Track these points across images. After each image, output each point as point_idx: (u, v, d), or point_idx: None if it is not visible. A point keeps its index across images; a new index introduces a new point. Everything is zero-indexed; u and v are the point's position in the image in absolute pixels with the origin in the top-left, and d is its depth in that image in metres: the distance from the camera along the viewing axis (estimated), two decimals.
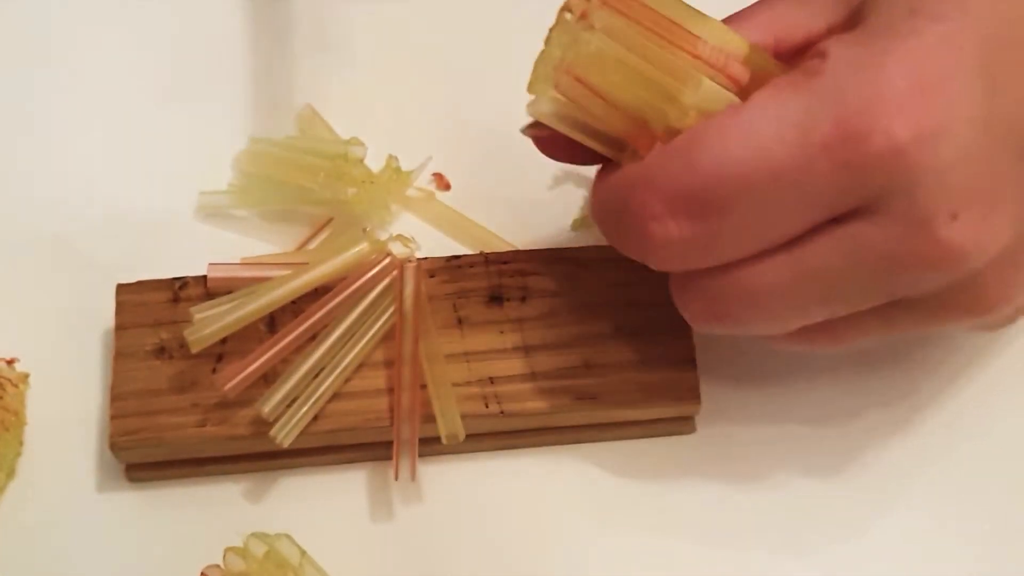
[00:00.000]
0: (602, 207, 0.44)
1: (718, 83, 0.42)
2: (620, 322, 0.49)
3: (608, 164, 0.44)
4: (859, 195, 0.40)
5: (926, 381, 0.51)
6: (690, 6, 0.43)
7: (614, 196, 0.43)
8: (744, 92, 0.42)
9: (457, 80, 0.57)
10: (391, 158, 0.54)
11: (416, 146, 0.55)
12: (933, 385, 0.51)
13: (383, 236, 0.52)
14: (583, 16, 0.42)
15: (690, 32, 0.42)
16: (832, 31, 0.43)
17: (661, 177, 0.41)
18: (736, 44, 0.42)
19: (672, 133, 0.41)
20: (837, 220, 0.41)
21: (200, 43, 0.58)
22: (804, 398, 0.50)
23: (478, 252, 0.51)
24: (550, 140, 0.45)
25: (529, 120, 0.45)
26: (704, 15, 0.42)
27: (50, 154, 0.55)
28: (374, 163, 0.53)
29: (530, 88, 0.44)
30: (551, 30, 0.43)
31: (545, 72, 0.43)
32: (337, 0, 0.59)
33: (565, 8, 0.43)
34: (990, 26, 0.41)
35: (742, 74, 0.42)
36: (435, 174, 0.55)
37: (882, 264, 0.41)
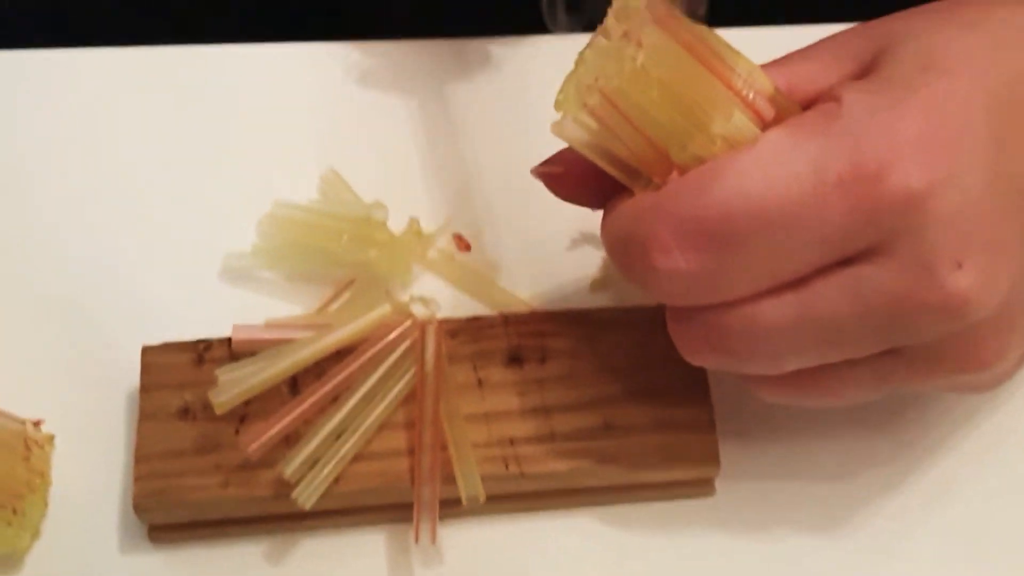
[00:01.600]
0: (612, 234, 0.44)
1: (746, 117, 0.42)
2: (639, 383, 0.49)
3: (621, 193, 0.44)
4: (869, 237, 0.40)
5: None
6: (725, 40, 0.43)
7: (624, 223, 0.43)
8: (766, 129, 0.42)
9: (476, 143, 0.58)
10: (412, 220, 0.54)
11: (437, 208, 0.56)
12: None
13: (404, 297, 0.52)
14: (627, 35, 0.42)
15: (726, 63, 0.42)
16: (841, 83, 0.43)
17: (673, 208, 0.41)
18: (763, 82, 0.42)
19: (692, 163, 0.41)
20: (844, 262, 0.41)
21: (225, 107, 0.59)
22: (816, 457, 0.51)
23: (498, 313, 0.52)
24: (562, 179, 0.46)
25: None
26: (737, 50, 0.43)
27: (76, 216, 0.56)
28: (396, 225, 0.54)
29: (557, 106, 0.43)
30: (584, 51, 0.43)
31: (574, 92, 0.43)
32: (359, 67, 0.60)
33: (602, 33, 0.43)
34: (997, 84, 0.42)
35: (768, 111, 0.42)
36: (455, 235, 0.55)
37: (885, 307, 0.41)
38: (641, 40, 0.41)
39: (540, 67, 0.59)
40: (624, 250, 0.43)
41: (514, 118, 0.58)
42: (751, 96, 0.42)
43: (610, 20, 0.42)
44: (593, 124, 0.43)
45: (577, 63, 0.43)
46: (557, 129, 0.43)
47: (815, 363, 0.43)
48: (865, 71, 0.43)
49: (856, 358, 0.43)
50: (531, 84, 0.58)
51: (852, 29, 0.45)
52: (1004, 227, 0.41)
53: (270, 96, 0.59)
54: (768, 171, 0.40)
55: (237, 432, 0.48)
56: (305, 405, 0.48)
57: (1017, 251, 0.42)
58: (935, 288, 0.40)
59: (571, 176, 0.45)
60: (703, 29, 0.42)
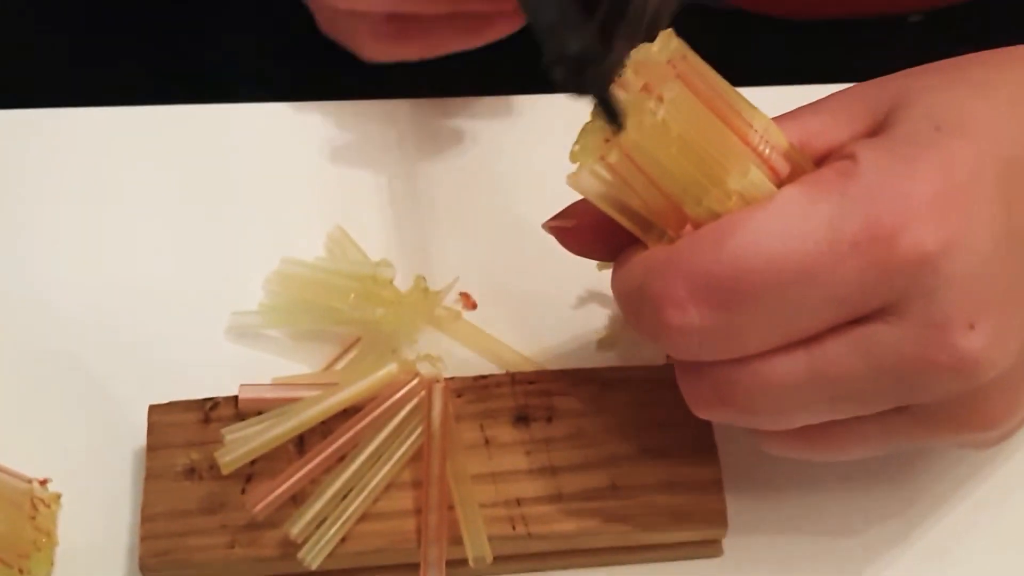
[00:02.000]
0: (624, 287, 0.44)
1: (762, 173, 0.42)
2: (646, 443, 0.49)
3: (633, 245, 0.44)
4: (882, 297, 0.40)
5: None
6: (742, 95, 0.43)
7: (637, 277, 0.43)
8: (781, 186, 0.42)
9: (483, 202, 0.58)
10: (419, 278, 0.55)
11: (443, 266, 0.56)
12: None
13: (411, 356, 0.52)
14: (647, 88, 0.42)
15: (743, 118, 0.42)
16: (855, 140, 0.44)
17: (687, 262, 0.41)
18: (779, 138, 0.43)
19: (707, 218, 0.41)
20: (856, 321, 0.41)
21: (232, 165, 0.59)
22: (824, 512, 0.50)
23: (504, 372, 0.52)
24: (573, 233, 0.46)
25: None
26: (753, 105, 0.43)
27: (82, 274, 0.56)
28: (402, 283, 0.54)
29: (572, 158, 0.43)
30: None
31: (591, 144, 0.43)
32: (364, 125, 0.60)
33: (620, 85, 0.42)
34: (1009, 146, 0.42)
35: (783, 167, 0.42)
36: (462, 294, 0.55)
37: (896, 367, 0.41)
38: (662, 95, 0.41)
39: (546, 125, 0.60)
40: (636, 304, 0.43)
41: (520, 176, 0.59)
42: (767, 152, 0.42)
43: (628, 72, 0.42)
44: (608, 176, 0.43)
45: (593, 115, 0.43)
46: (573, 181, 0.43)
47: (823, 419, 0.43)
48: (877, 127, 0.43)
49: (864, 415, 0.43)
50: (537, 142, 0.59)
51: (864, 85, 0.45)
52: (1015, 288, 0.41)
53: (277, 154, 0.60)
54: (784, 228, 0.40)
55: (243, 491, 0.48)
56: (311, 464, 0.48)
57: None
58: (947, 349, 0.40)
59: (582, 230, 0.45)
60: (723, 83, 0.42)
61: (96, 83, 0.71)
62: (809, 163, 0.43)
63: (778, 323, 0.41)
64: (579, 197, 0.44)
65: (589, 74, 0.42)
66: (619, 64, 0.42)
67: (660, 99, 0.41)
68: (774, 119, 0.44)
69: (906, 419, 0.43)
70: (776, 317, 0.41)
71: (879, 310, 0.41)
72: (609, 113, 0.42)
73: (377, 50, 0.57)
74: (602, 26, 0.43)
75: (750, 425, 0.44)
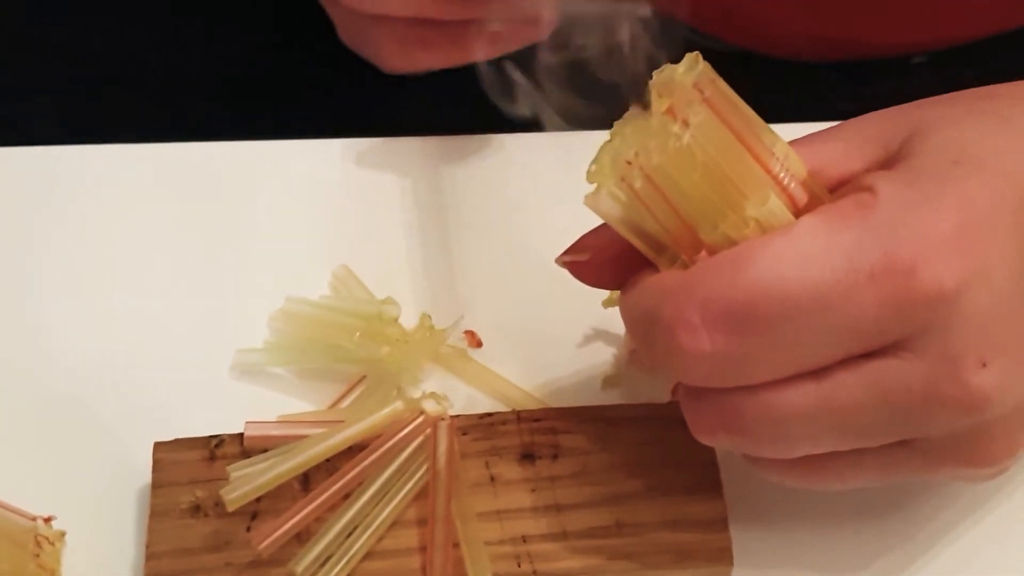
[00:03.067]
0: (635, 310, 0.43)
1: (781, 201, 0.42)
2: (651, 481, 0.49)
3: (644, 268, 0.44)
4: (897, 331, 0.40)
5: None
6: (764, 122, 0.43)
7: (650, 300, 0.42)
8: (798, 215, 0.42)
9: (488, 239, 0.58)
10: (424, 316, 0.55)
11: (448, 304, 0.56)
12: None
13: (416, 393, 0.52)
14: (670, 111, 0.42)
15: (764, 145, 0.42)
16: (868, 171, 0.44)
17: (703, 287, 0.41)
18: (798, 166, 0.43)
19: (722, 243, 0.41)
20: (869, 355, 0.41)
21: (236, 203, 0.60)
22: (828, 546, 0.50)
23: (510, 410, 0.52)
24: (586, 266, 0.46)
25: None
26: (774, 132, 0.43)
27: (87, 312, 0.56)
28: (407, 321, 0.54)
29: (590, 177, 0.43)
30: (621, 124, 0.43)
31: (609, 164, 0.43)
32: (369, 163, 0.60)
33: (642, 107, 0.43)
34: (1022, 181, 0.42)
35: (801, 196, 0.42)
36: (467, 332, 0.56)
37: (906, 402, 0.41)
38: (688, 119, 0.41)
39: (549, 162, 0.60)
40: (647, 327, 0.42)
41: (525, 214, 0.59)
42: (787, 180, 0.42)
43: (652, 95, 0.42)
44: (626, 197, 0.42)
45: (613, 135, 0.43)
46: (591, 202, 0.43)
47: (827, 450, 0.43)
48: (892, 157, 0.43)
49: (867, 447, 0.43)
50: (539, 179, 0.59)
51: (878, 114, 0.45)
52: None
53: (281, 192, 0.60)
54: (802, 258, 0.40)
55: (248, 529, 0.48)
56: (317, 502, 0.48)
57: None
58: (958, 385, 0.40)
59: (595, 262, 0.45)
60: (748, 110, 0.42)
61: (103, 120, 0.71)
62: (826, 193, 0.43)
63: (791, 352, 0.41)
64: (582, 228, 0.45)
65: None
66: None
67: (685, 123, 0.41)
68: (789, 143, 0.44)
69: (907, 452, 0.43)
70: (789, 346, 0.41)
71: (892, 344, 0.41)
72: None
73: (400, 58, 0.57)
74: None
75: (751, 452, 0.44)
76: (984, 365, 0.40)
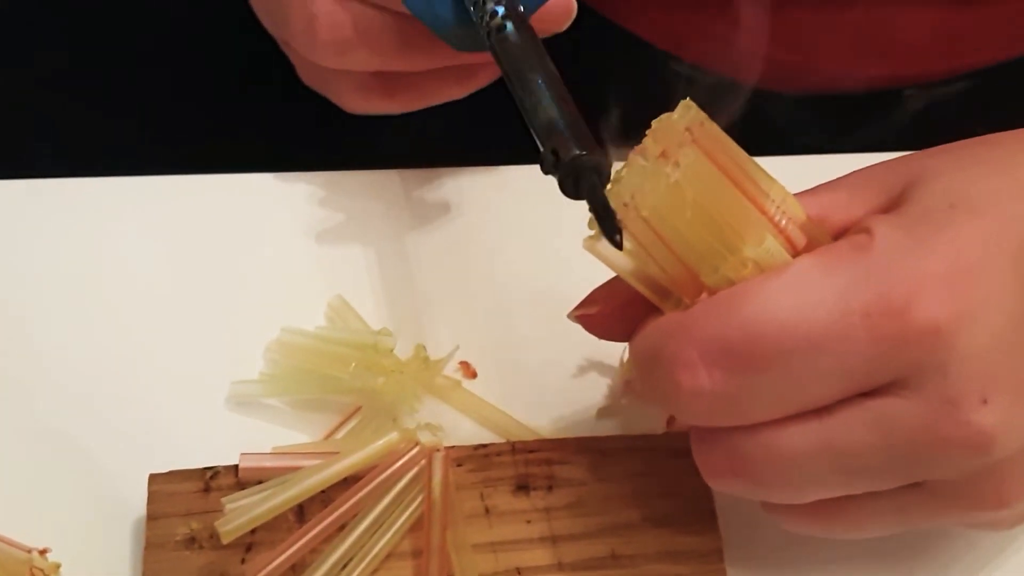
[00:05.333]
0: (640, 351, 0.44)
1: (778, 242, 0.42)
2: (646, 512, 0.49)
3: (651, 315, 0.45)
4: (893, 369, 0.41)
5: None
6: (760, 166, 0.43)
7: (652, 340, 0.43)
8: (797, 256, 0.42)
9: (482, 271, 0.58)
10: (419, 347, 0.55)
11: (443, 335, 0.56)
12: None
13: (411, 424, 0.53)
14: (665, 154, 0.42)
15: (760, 187, 0.43)
16: (871, 215, 0.44)
17: (701, 326, 0.41)
18: (796, 210, 0.43)
19: (723, 286, 0.42)
20: (868, 394, 0.41)
21: (231, 235, 0.60)
22: None
23: (505, 441, 0.52)
24: (597, 318, 0.47)
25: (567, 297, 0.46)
26: (772, 177, 0.43)
27: (82, 343, 0.56)
28: (403, 352, 0.54)
29: (591, 224, 0.44)
30: (620, 170, 0.44)
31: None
32: (364, 194, 0.61)
33: (639, 152, 0.43)
34: (1023, 225, 0.43)
35: (800, 239, 0.43)
36: (461, 363, 0.56)
37: (908, 441, 0.41)
38: (678, 160, 0.42)
39: (541, 194, 0.60)
40: (650, 367, 0.43)
41: (517, 245, 0.59)
42: (783, 222, 0.42)
43: (648, 140, 0.43)
44: (626, 243, 0.43)
45: (613, 180, 0.43)
46: (589, 245, 0.44)
47: (837, 493, 0.43)
48: (894, 204, 0.44)
49: (879, 490, 0.43)
50: (531, 211, 0.59)
51: (883, 163, 0.46)
52: None
53: (277, 224, 0.60)
54: (796, 296, 0.41)
55: (243, 561, 0.48)
56: (312, 534, 0.48)
57: None
58: (960, 424, 0.40)
59: (604, 314, 0.46)
60: (740, 153, 0.43)
61: (100, 152, 0.71)
62: (826, 236, 0.44)
63: (789, 390, 0.41)
64: (577, 261, 0.45)
65: (586, 182, 0.42)
66: (609, 172, 0.43)
67: (677, 164, 0.42)
68: (794, 195, 0.44)
69: (920, 496, 0.43)
70: (787, 384, 0.41)
71: (892, 383, 0.41)
72: (605, 223, 0.42)
73: (361, 105, 0.57)
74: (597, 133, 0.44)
75: (764, 498, 0.44)
76: (984, 403, 0.40)
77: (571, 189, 0.43)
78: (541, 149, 0.44)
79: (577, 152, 0.43)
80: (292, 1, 0.53)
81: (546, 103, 0.45)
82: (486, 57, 0.49)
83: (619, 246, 0.42)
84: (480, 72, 0.56)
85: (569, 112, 0.44)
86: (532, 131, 0.45)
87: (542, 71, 0.46)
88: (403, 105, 0.57)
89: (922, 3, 0.66)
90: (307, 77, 0.59)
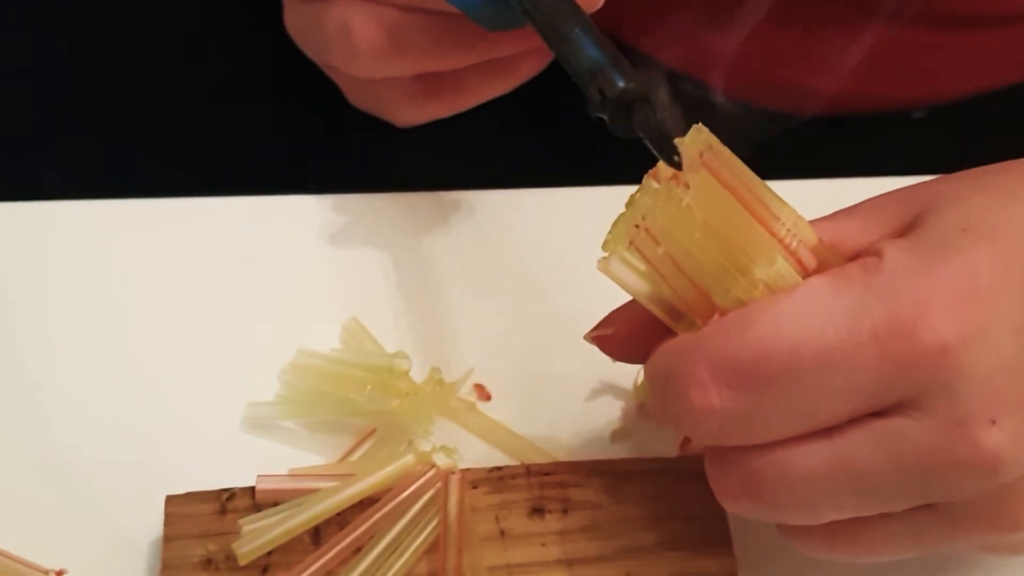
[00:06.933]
0: (653, 372, 0.44)
1: (789, 264, 0.43)
2: (661, 535, 0.49)
3: (665, 335, 0.45)
4: (902, 389, 0.41)
5: None
6: (772, 190, 0.44)
7: (664, 362, 0.43)
8: (808, 278, 0.43)
9: (498, 293, 0.58)
10: (434, 369, 0.55)
11: (458, 358, 0.56)
12: None
13: (427, 447, 0.53)
14: (675, 177, 0.43)
15: (771, 210, 0.43)
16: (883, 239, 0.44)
17: (712, 346, 0.42)
18: (807, 232, 0.44)
19: (735, 307, 0.42)
20: (878, 414, 0.42)
21: (247, 257, 0.60)
22: None
23: (520, 463, 0.52)
24: (615, 340, 0.47)
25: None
26: (783, 200, 0.44)
27: (98, 364, 0.56)
28: (417, 374, 0.55)
29: (605, 245, 0.44)
30: (634, 194, 0.44)
31: (623, 231, 0.44)
32: (379, 217, 0.61)
33: (652, 176, 0.44)
34: None
35: (810, 261, 0.43)
36: (476, 385, 0.56)
37: (918, 461, 0.41)
38: (688, 182, 0.42)
39: (556, 217, 0.61)
40: (663, 387, 0.43)
41: (533, 268, 0.59)
42: (794, 244, 0.43)
43: (661, 164, 0.44)
44: (639, 264, 0.44)
45: (627, 204, 0.44)
46: (603, 266, 0.44)
47: (850, 514, 0.43)
48: (906, 230, 0.44)
49: (892, 512, 0.43)
50: (552, 234, 0.59)
51: (897, 191, 0.46)
52: None
53: (293, 246, 0.60)
54: (805, 316, 0.41)
55: None
56: (328, 556, 0.48)
57: None
58: (969, 445, 0.41)
59: (620, 336, 0.46)
60: (751, 175, 0.43)
61: (111, 175, 0.72)
62: (839, 260, 0.44)
63: (799, 410, 0.41)
64: (591, 283, 0.45)
65: (638, 113, 0.43)
66: (659, 98, 0.43)
67: (687, 186, 0.42)
68: (809, 222, 0.45)
69: (933, 518, 0.43)
70: (797, 404, 0.41)
71: (900, 403, 0.41)
72: (665, 150, 0.42)
73: (411, 113, 0.58)
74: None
75: (778, 520, 0.44)
76: (993, 423, 0.41)
77: (623, 124, 0.43)
78: (586, 94, 0.43)
79: (624, 84, 0.42)
80: (327, 22, 0.54)
81: (586, 47, 0.45)
82: (523, 46, 0.50)
83: (678, 167, 0.42)
84: (521, 64, 0.56)
85: (611, 51, 0.44)
86: (575, 78, 0.45)
87: (577, 19, 0.46)
88: (451, 105, 0.57)
89: (936, 26, 0.67)
90: (355, 98, 0.60)
